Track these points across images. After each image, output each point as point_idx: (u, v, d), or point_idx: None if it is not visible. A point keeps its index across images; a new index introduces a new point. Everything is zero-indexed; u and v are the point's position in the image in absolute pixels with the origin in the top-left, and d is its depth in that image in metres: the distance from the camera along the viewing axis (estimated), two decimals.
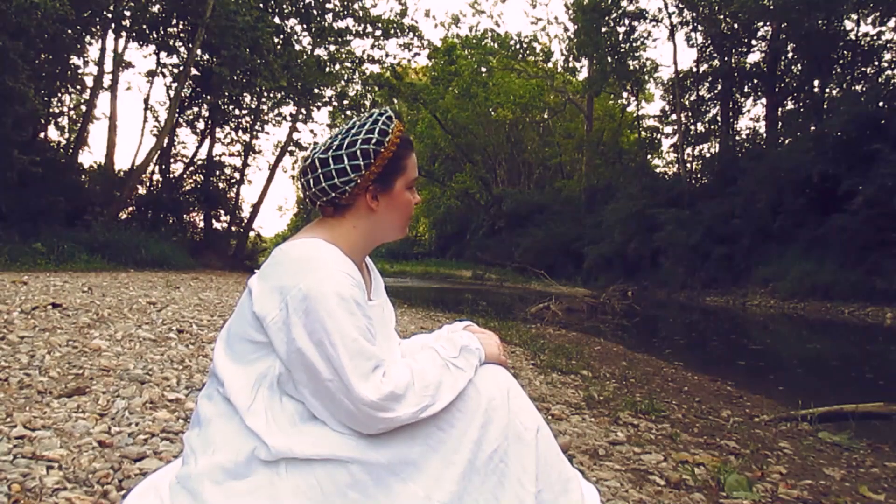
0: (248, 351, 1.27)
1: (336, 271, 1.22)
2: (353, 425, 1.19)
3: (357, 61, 25.70)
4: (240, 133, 23.89)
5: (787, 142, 21.17)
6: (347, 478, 1.17)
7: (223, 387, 1.26)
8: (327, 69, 24.24)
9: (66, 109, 19.47)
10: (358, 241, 1.35)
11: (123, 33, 18.40)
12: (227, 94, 20.65)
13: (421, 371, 1.23)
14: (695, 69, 25.74)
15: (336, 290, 1.19)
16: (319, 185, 1.31)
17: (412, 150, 1.39)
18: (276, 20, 21.59)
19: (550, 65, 38.28)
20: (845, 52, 21.08)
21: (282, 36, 21.72)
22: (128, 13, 17.66)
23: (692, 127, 26.28)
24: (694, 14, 24.83)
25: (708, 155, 26.44)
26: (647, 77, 28.61)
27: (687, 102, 25.79)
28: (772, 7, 20.75)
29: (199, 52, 18.86)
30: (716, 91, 25.44)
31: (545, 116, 39.27)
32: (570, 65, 36.04)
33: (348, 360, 1.16)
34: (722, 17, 23.67)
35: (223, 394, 1.26)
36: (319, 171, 1.31)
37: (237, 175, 23.93)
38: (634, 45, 26.80)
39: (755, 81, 24.56)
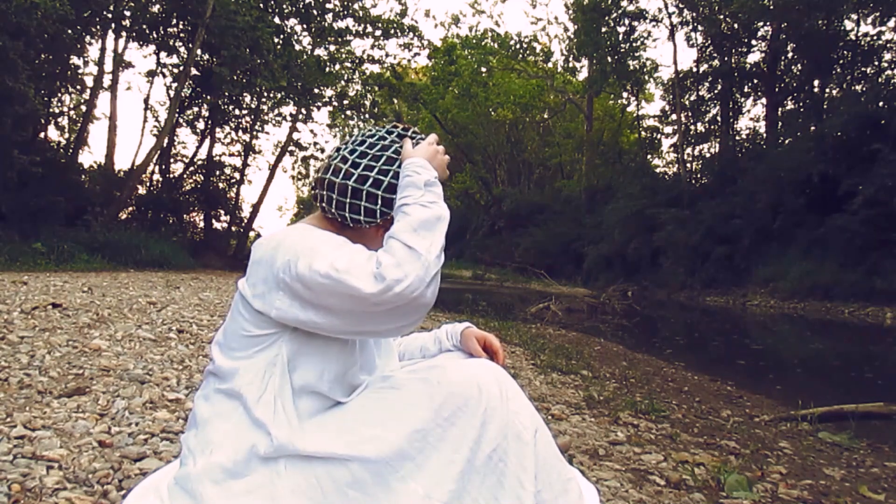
0: (248, 345, 1.27)
1: (320, 232, 1.25)
2: (402, 319, 1.16)
3: (357, 61, 25.71)
4: (240, 133, 23.93)
5: (787, 142, 21.17)
6: (347, 476, 1.17)
7: (231, 381, 1.26)
8: (327, 69, 24.25)
9: (66, 109, 19.52)
10: None
11: (123, 33, 18.42)
12: (227, 94, 20.67)
13: (399, 229, 1.17)
14: (695, 69, 25.75)
15: (313, 243, 1.20)
16: (341, 210, 1.31)
17: None
18: (276, 20, 21.60)
19: (550, 65, 38.29)
20: (845, 52, 21.08)
21: (282, 36, 21.72)
22: (128, 13, 17.68)
23: (692, 127, 26.29)
24: (694, 14, 24.83)
25: (708, 155, 26.48)
26: (647, 77, 28.63)
27: (687, 102, 25.79)
28: (772, 7, 20.76)
29: (199, 52, 18.87)
30: (716, 91, 25.44)
31: (545, 116, 39.27)
32: (570, 65, 36.06)
33: (353, 277, 1.12)
34: (722, 17, 23.67)
35: (226, 391, 1.26)
36: (347, 199, 1.30)
37: (237, 175, 23.97)
38: (634, 45, 26.81)
39: (755, 81, 24.57)
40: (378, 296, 1.10)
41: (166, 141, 20.31)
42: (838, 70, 21.49)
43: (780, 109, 23.61)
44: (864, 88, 19.33)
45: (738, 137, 25.25)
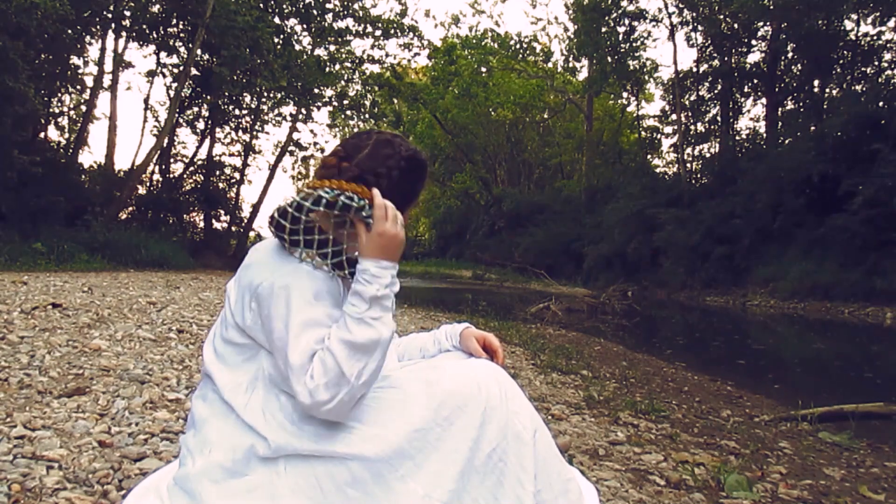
0: (234, 353, 1.28)
1: (301, 266, 1.23)
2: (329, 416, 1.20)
3: (357, 61, 25.71)
4: (240, 133, 23.92)
5: (787, 142, 21.16)
6: (347, 475, 1.17)
7: (218, 386, 1.27)
8: (327, 69, 24.25)
9: (66, 109, 19.53)
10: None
11: (123, 33, 18.42)
12: (227, 94, 20.67)
13: (338, 340, 1.17)
14: (695, 69, 25.74)
15: (289, 280, 1.20)
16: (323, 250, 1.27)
17: (427, 175, 1.42)
18: (276, 20, 21.61)
19: (550, 65, 38.28)
20: (845, 52, 21.08)
21: (282, 36, 21.73)
22: (128, 13, 17.68)
23: (692, 127, 26.28)
24: (694, 14, 24.82)
25: (708, 155, 26.46)
26: (647, 77, 28.60)
27: (687, 102, 25.78)
28: (772, 7, 20.75)
29: (199, 52, 18.87)
30: (716, 91, 25.43)
31: (545, 116, 39.25)
32: (570, 65, 36.05)
33: (294, 378, 1.17)
34: (722, 17, 23.66)
35: (218, 393, 1.27)
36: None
37: (237, 175, 23.96)
38: (634, 45, 26.78)
39: (755, 81, 24.55)
40: (308, 408, 1.17)
41: (166, 141, 20.30)
42: (838, 70, 21.48)
43: (780, 109, 23.60)
44: (864, 88, 19.32)
45: (738, 137, 25.23)
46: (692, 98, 25.99)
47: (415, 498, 1.17)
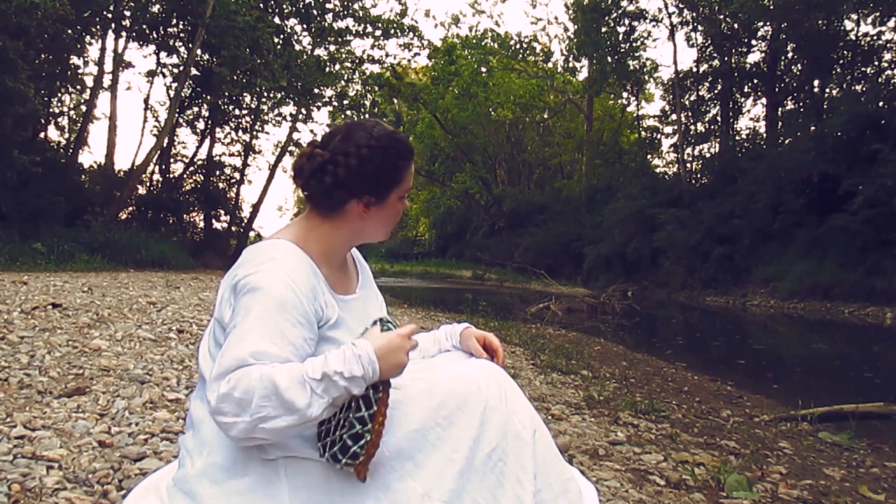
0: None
1: (280, 273, 1.19)
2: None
3: (357, 61, 25.72)
4: (240, 133, 23.91)
5: (787, 142, 21.17)
6: (346, 475, 1.17)
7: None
8: (327, 69, 24.26)
9: (66, 109, 19.51)
10: (337, 244, 1.34)
11: (123, 33, 18.42)
12: (227, 94, 20.68)
13: (270, 377, 1.09)
14: (695, 69, 25.73)
15: (270, 290, 1.17)
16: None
17: (412, 160, 1.36)
18: (276, 20, 21.62)
19: (550, 65, 38.26)
20: (845, 52, 21.07)
21: (282, 36, 21.74)
22: (128, 13, 17.68)
23: (692, 127, 26.27)
24: (694, 14, 24.82)
25: (708, 155, 26.46)
26: (647, 77, 28.60)
27: (687, 102, 25.77)
28: (772, 7, 20.75)
29: (199, 52, 18.88)
30: (716, 91, 25.42)
31: (545, 116, 39.24)
32: (570, 65, 36.05)
33: (213, 375, 1.13)
34: (722, 17, 23.65)
35: None
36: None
37: (237, 175, 23.95)
38: (634, 45, 26.79)
39: (755, 81, 24.55)
40: (210, 410, 1.12)
41: (166, 141, 20.30)
42: (838, 70, 21.47)
43: (780, 109, 23.58)
44: (864, 88, 19.31)
45: (738, 137, 25.24)
46: (692, 98, 25.98)
47: (414, 497, 1.17)
